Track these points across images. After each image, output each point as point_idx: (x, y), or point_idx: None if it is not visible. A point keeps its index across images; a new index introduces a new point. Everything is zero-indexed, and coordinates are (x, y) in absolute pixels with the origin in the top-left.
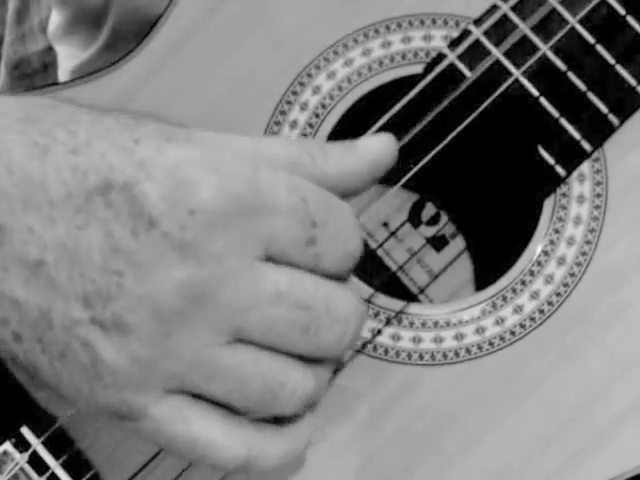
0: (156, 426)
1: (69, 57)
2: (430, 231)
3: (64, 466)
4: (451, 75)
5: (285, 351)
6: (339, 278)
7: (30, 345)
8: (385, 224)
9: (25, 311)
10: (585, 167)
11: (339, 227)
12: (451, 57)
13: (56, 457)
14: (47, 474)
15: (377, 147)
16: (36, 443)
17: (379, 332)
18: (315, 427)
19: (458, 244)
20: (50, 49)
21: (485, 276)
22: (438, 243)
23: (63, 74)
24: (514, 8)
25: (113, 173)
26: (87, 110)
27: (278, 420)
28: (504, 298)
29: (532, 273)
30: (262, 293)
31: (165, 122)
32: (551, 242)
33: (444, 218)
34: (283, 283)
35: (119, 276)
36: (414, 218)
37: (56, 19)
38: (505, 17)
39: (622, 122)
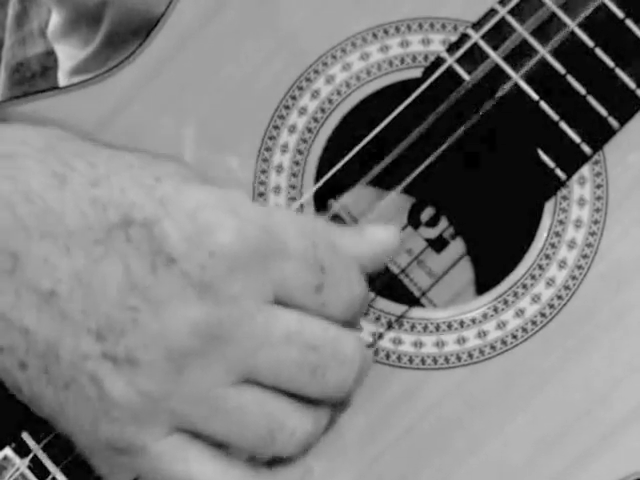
0: (154, 464)
1: (68, 57)
2: (430, 232)
3: (64, 471)
4: (450, 79)
5: (290, 392)
6: (348, 323)
7: (35, 375)
8: None
9: (33, 341)
10: (585, 170)
11: (344, 274)
12: (450, 61)
13: (56, 462)
14: (48, 479)
15: (384, 238)
16: (37, 448)
17: (380, 336)
18: (307, 470)
19: (458, 245)
20: (49, 53)
21: (486, 279)
22: (438, 244)
23: (63, 74)
24: (512, 12)
25: (133, 209)
26: (104, 146)
27: (273, 462)
28: (505, 302)
29: (533, 276)
30: (274, 334)
31: (183, 163)
32: (552, 245)
33: (444, 219)
34: (294, 324)
35: (135, 312)
36: (414, 220)
37: (55, 20)
38: (503, 21)
39: (622, 125)
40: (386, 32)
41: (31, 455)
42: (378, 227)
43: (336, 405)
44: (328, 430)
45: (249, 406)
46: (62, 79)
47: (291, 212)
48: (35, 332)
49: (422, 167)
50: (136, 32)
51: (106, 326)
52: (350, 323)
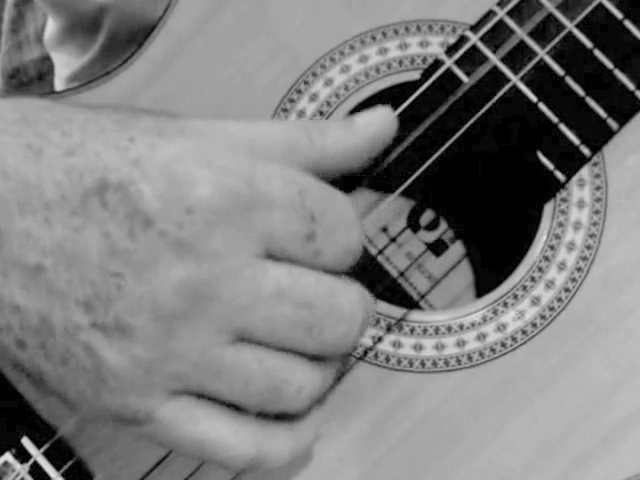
0: (163, 428)
1: (65, 64)
2: (429, 236)
3: (65, 476)
4: (448, 81)
5: (289, 349)
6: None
7: (34, 351)
8: (384, 229)
9: (26, 317)
10: (585, 172)
11: (338, 220)
12: (448, 63)
13: (57, 468)
14: None
15: (376, 121)
16: (37, 454)
17: (380, 339)
18: (321, 421)
19: (458, 249)
20: (46, 58)
21: (485, 282)
22: (437, 248)
23: (59, 82)
24: (510, 14)
25: (108, 173)
26: (82, 109)
27: (285, 416)
28: (505, 304)
29: (533, 279)
30: (263, 290)
31: (161, 114)
32: (551, 247)
33: (443, 223)
34: (284, 280)
35: (118, 278)
36: (413, 223)
37: (51, 27)
38: (502, 23)
39: (621, 126)
40: (384, 35)
41: (31, 461)
42: (368, 112)
43: (342, 357)
44: (335, 385)
45: (248, 363)
46: (59, 86)
47: (277, 150)
48: (26, 308)
49: (421, 170)
50: (134, 39)
51: (93, 295)
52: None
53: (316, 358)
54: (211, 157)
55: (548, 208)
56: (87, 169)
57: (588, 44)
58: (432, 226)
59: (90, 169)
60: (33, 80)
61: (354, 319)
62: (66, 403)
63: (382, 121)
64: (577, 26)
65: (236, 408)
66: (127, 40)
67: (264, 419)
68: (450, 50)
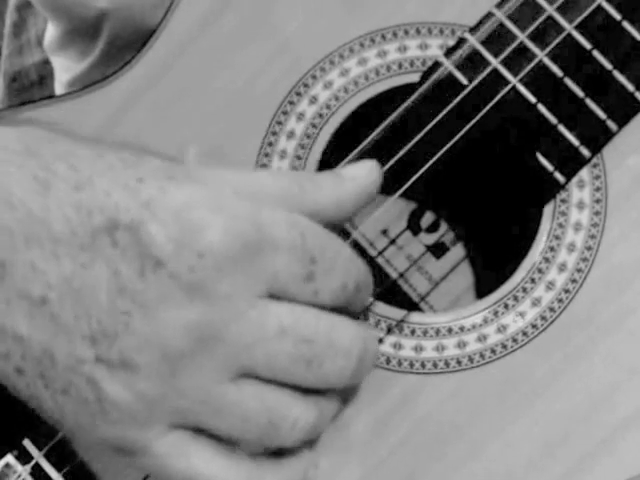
0: (157, 462)
1: (65, 69)
2: (430, 238)
3: (66, 478)
4: (448, 84)
5: (289, 384)
6: (348, 311)
7: (32, 380)
8: (384, 231)
9: (28, 347)
10: (584, 173)
11: (336, 261)
12: (447, 66)
13: (58, 469)
14: None
15: (364, 176)
16: (38, 455)
17: (380, 341)
18: (312, 462)
19: (458, 251)
20: (47, 62)
21: (486, 283)
22: (438, 250)
23: (60, 86)
24: (510, 16)
25: (118, 213)
26: (85, 143)
27: (277, 452)
28: (506, 305)
29: (533, 280)
30: (267, 330)
31: (164, 158)
32: (552, 249)
33: (443, 225)
34: (286, 318)
35: (126, 316)
36: (413, 225)
37: (51, 32)
38: (501, 25)
39: (620, 127)
40: (384, 37)
41: (33, 462)
42: (354, 165)
43: (342, 394)
44: (334, 420)
45: (248, 400)
46: (59, 91)
47: (278, 196)
48: (29, 339)
49: (421, 172)
50: (134, 44)
51: (99, 331)
52: (354, 310)
53: (312, 393)
54: (220, 203)
55: (548, 209)
56: (97, 207)
57: (587, 45)
58: (432, 228)
59: (100, 207)
60: (34, 84)
61: (352, 353)
62: (61, 430)
63: (368, 174)
64: (576, 27)
65: (230, 444)
66: (127, 45)
67: (257, 458)
68: (449, 52)
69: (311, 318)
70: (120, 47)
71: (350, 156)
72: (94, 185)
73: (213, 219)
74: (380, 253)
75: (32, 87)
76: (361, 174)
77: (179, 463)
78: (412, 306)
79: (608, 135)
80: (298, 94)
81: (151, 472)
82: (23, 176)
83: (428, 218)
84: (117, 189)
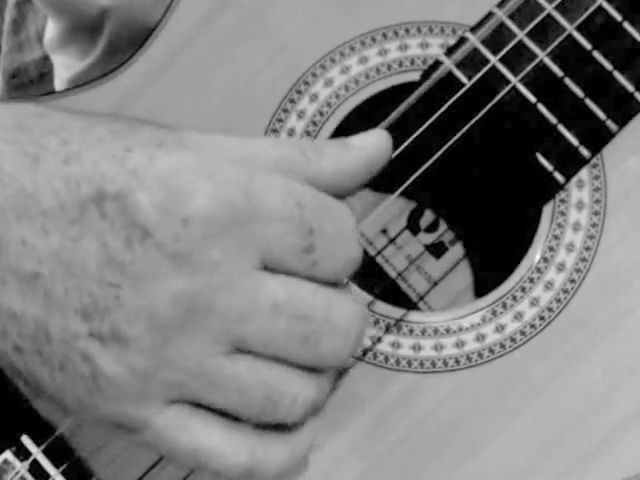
0: (158, 436)
1: (66, 67)
2: (429, 238)
3: (64, 474)
4: (448, 83)
5: (285, 361)
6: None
7: (30, 357)
8: (384, 231)
9: (23, 324)
10: (584, 173)
11: (336, 233)
12: (448, 65)
13: (56, 466)
14: None
15: (373, 144)
16: (36, 452)
17: (379, 340)
18: (317, 433)
19: (457, 251)
20: (46, 58)
21: (484, 283)
22: (437, 250)
23: (60, 84)
24: (511, 15)
25: (105, 182)
26: (78, 117)
27: (280, 427)
28: (504, 305)
29: (532, 280)
30: (260, 303)
31: (158, 126)
32: (550, 249)
33: (443, 225)
34: (281, 293)
35: (116, 288)
36: (413, 225)
37: (52, 29)
38: (502, 24)
39: (620, 128)
40: (385, 36)
41: (31, 458)
42: (363, 134)
43: (338, 370)
44: (332, 394)
45: (244, 374)
46: (59, 88)
47: (276, 163)
48: (23, 315)
49: (420, 171)
50: (135, 42)
51: (90, 304)
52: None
53: (312, 369)
54: (210, 169)
55: (547, 209)
56: (85, 178)
57: (587, 46)
58: (432, 228)
59: (88, 178)
60: (34, 80)
61: (350, 331)
62: (63, 409)
63: (377, 144)
64: (577, 28)
65: (232, 418)
66: (128, 43)
67: (259, 429)
68: (450, 51)
69: (307, 293)
70: (121, 45)
71: None
72: (82, 157)
73: (201, 185)
74: (379, 252)
75: (32, 84)
76: (369, 143)
77: (180, 436)
78: (411, 306)
79: (608, 135)
80: (299, 92)
81: (151, 447)
82: (14, 152)
83: (427, 218)
84: (105, 160)
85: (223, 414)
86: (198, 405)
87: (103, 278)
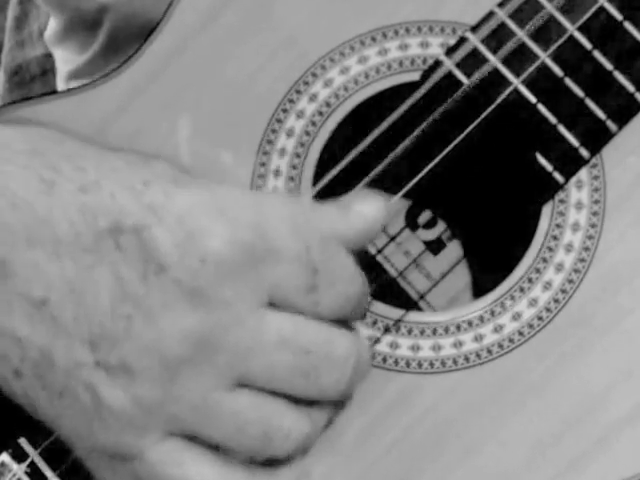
0: (151, 469)
1: (66, 61)
2: (427, 234)
3: (62, 477)
4: (448, 83)
5: (285, 394)
6: (346, 319)
7: (30, 383)
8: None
9: (27, 349)
10: (583, 173)
11: (339, 273)
12: (448, 65)
13: (54, 468)
14: None
15: (370, 215)
16: (34, 454)
17: (377, 340)
18: (304, 473)
19: (456, 248)
20: (48, 55)
21: (483, 283)
22: (435, 246)
23: (60, 78)
24: (512, 15)
25: (123, 216)
26: (92, 146)
27: (270, 461)
28: (502, 305)
29: (530, 280)
30: (267, 339)
31: (172, 164)
32: (549, 249)
33: (441, 222)
34: (286, 329)
35: (127, 320)
36: (411, 222)
37: (53, 24)
38: (502, 24)
39: (620, 128)
40: (385, 35)
41: (28, 461)
42: (363, 202)
43: (334, 404)
44: (326, 429)
45: (244, 410)
46: (60, 83)
47: (282, 210)
48: (28, 341)
49: (422, 173)
50: (135, 37)
51: (99, 335)
52: (350, 320)
53: (305, 404)
54: (225, 209)
55: (546, 209)
56: (102, 209)
57: (588, 45)
58: (430, 225)
59: (105, 210)
60: (36, 77)
61: (348, 365)
62: (57, 433)
63: (375, 215)
64: (578, 28)
65: (225, 453)
66: (128, 39)
67: (250, 467)
68: (450, 51)
69: (311, 329)
70: (121, 40)
71: (349, 156)
72: (100, 187)
73: (217, 225)
74: (379, 251)
75: (33, 81)
76: (368, 213)
77: (173, 471)
78: (411, 304)
79: (608, 135)
80: (298, 92)
81: (143, 478)
82: (28, 175)
83: (426, 215)
84: (123, 192)
85: (216, 449)
86: (193, 439)
87: (115, 309)
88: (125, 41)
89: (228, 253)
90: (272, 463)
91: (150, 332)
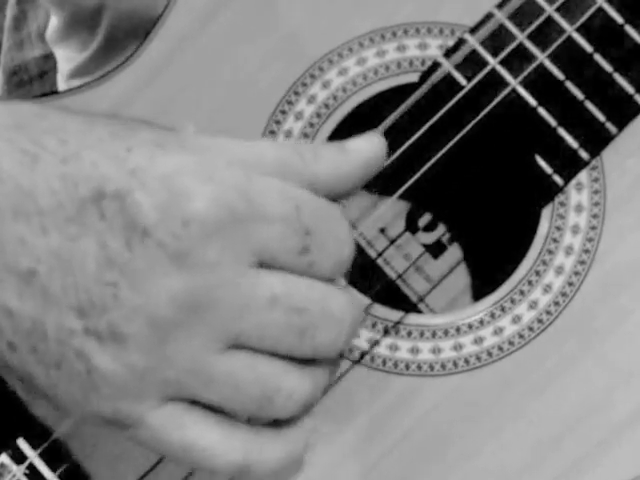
0: (153, 433)
1: (67, 60)
2: (427, 237)
3: (61, 478)
4: (447, 84)
5: (281, 354)
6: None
7: (25, 355)
8: (382, 230)
9: (18, 321)
10: (583, 176)
11: (331, 234)
12: (447, 66)
13: (53, 469)
14: None
15: (368, 149)
16: (33, 455)
17: (377, 343)
18: (312, 429)
19: (455, 251)
20: (47, 56)
21: (483, 285)
22: (435, 249)
23: (61, 77)
24: (510, 17)
25: (105, 182)
26: (76, 117)
27: (275, 423)
28: (502, 308)
29: (530, 283)
30: (257, 298)
31: (157, 127)
32: (549, 251)
33: (441, 224)
34: (278, 287)
35: (114, 287)
36: (411, 225)
37: (53, 23)
38: (501, 26)
39: (620, 130)
40: (383, 37)
41: (27, 462)
42: (359, 138)
43: (331, 362)
44: (327, 387)
45: (240, 371)
46: (61, 82)
47: (273, 166)
48: (19, 313)
49: (420, 173)
50: (134, 34)
51: (87, 302)
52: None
53: (306, 364)
54: (210, 171)
55: (546, 212)
56: (83, 178)
57: (588, 48)
58: (430, 228)
59: (86, 178)
60: (34, 78)
61: (344, 322)
62: (56, 406)
63: (373, 149)
64: (577, 30)
65: (227, 414)
66: (127, 36)
67: (254, 427)
68: (449, 53)
69: (304, 287)
70: (120, 38)
71: None
72: (81, 157)
73: (200, 187)
74: (380, 254)
75: (32, 82)
76: (365, 146)
77: (174, 434)
78: (411, 307)
79: (607, 138)
80: (296, 93)
81: (146, 444)
82: (12, 150)
83: (426, 217)
84: (105, 160)
85: (218, 411)
86: (193, 402)
87: (101, 276)
88: (124, 39)
89: (212, 214)
90: (277, 423)
91: (137, 297)
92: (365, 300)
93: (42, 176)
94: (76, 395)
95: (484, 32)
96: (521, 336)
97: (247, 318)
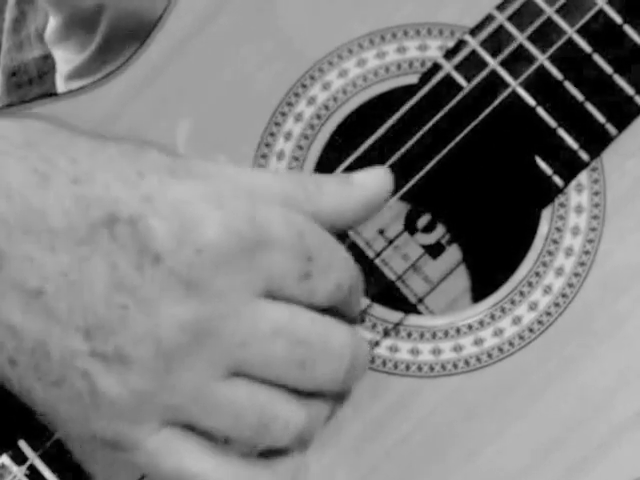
0: (148, 458)
1: (65, 61)
2: (426, 238)
3: (61, 479)
4: (447, 86)
5: (282, 384)
6: (343, 314)
7: (25, 371)
8: (381, 231)
9: (21, 339)
10: (583, 177)
11: (331, 261)
12: (447, 67)
13: (53, 470)
14: None
15: (374, 185)
16: (33, 456)
17: (377, 344)
18: (303, 466)
19: (454, 252)
20: (46, 57)
21: (482, 286)
22: (434, 250)
23: (60, 78)
24: (510, 18)
25: (118, 207)
26: (86, 136)
27: (269, 454)
28: (502, 309)
29: (530, 284)
30: (262, 329)
31: (166, 152)
32: (549, 253)
33: (440, 225)
34: (281, 319)
35: (123, 309)
36: (410, 226)
37: (52, 24)
38: (501, 27)
39: (620, 131)
40: (383, 38)
41: (28, 463)
42: (365, 173)
43: (334, 398)
44: (327, 423)
45: (240, 399)
46: (60, 83)
47: (278, 195)
48: (22, 330)
49: (420, 175)
50: (132, 36)
51: (94, 324)
52: (345, 312)
53: (307, 396)
54: (219, 199)
55: (546, 213)
56: (96, 200)
57: (587, 49)
58: (429, 228)
59: (99, 200)
60: (34, 79)
61: (344, 357)
62: (53, 424)
63: (378, 183)
64: (577, 31)
65: (221, 442)
66: (126, 38)
67: (247, 456)
68: (449, 54)
69: (306, 320)
70: (118, 39)
71: (349, 159)
72: (94, 178)
73: (212, 215)
74: (378, 255)
75: (31, 83)
76: (371, 182)
77: (169, 461)
78: (410, 308)
79: (607, 139)
80: (296, 95)
81: (140, 468)
82: (23, 168)
83: (425, 218)
84: (117, 182)
85: (213, 438)
86: (189, 428)
87: (110, 298)
88: (122, 40)
89: (224, 243)
90: (271, 455)
91: (146, 322)
92: (364, 300)
93: (53, 196)
94: (75, 415)
95: (484, 33)
96: (521, 337)
97: (250, 347)
